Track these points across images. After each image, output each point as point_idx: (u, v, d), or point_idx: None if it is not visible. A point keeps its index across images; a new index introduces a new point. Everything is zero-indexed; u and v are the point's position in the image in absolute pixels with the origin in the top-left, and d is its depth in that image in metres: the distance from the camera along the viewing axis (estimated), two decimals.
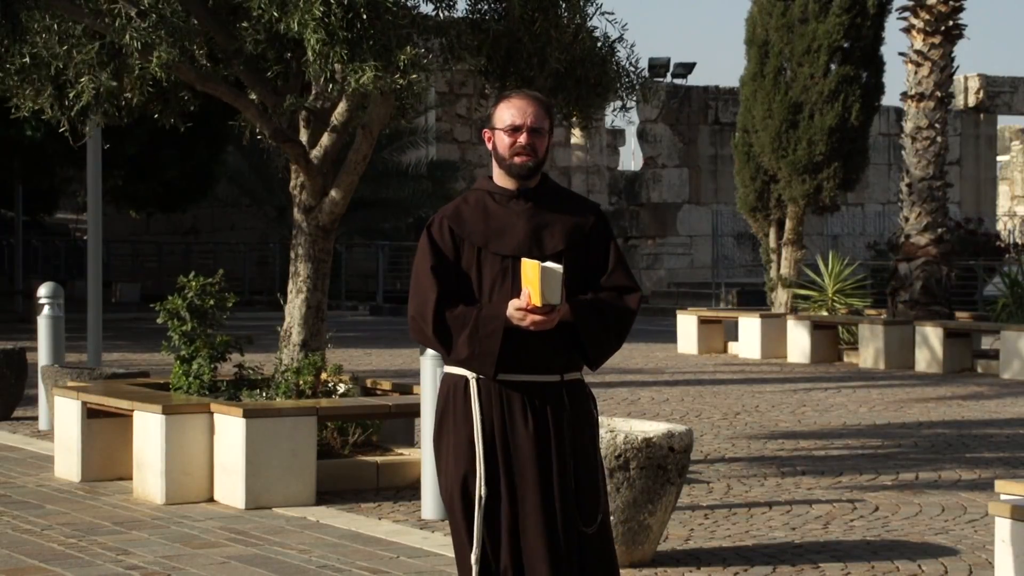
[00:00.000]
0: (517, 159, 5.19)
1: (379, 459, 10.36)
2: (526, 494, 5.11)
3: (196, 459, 9.79)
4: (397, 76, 8.97)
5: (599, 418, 5.43)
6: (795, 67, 22.87)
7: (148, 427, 9.88)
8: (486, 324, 5.08)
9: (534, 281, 4.98)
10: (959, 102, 43.01)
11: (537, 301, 4.99)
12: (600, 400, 7.16)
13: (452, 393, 5.22)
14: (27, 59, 10.42)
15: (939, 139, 22.08)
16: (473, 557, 5.12)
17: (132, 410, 10.13)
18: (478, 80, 11.03)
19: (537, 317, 5.02)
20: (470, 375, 5.16)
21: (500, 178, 5.27)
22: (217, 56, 10.58)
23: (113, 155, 20.95)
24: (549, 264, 5.00)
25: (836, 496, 10.04)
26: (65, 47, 10.28)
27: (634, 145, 42.98)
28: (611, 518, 5.70)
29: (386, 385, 11.36)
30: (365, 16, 8.96)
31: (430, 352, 9.16)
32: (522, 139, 5.18)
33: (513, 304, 5.05)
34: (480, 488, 5.11)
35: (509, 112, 5.20)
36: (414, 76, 8.99)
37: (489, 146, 5.27)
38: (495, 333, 5.06)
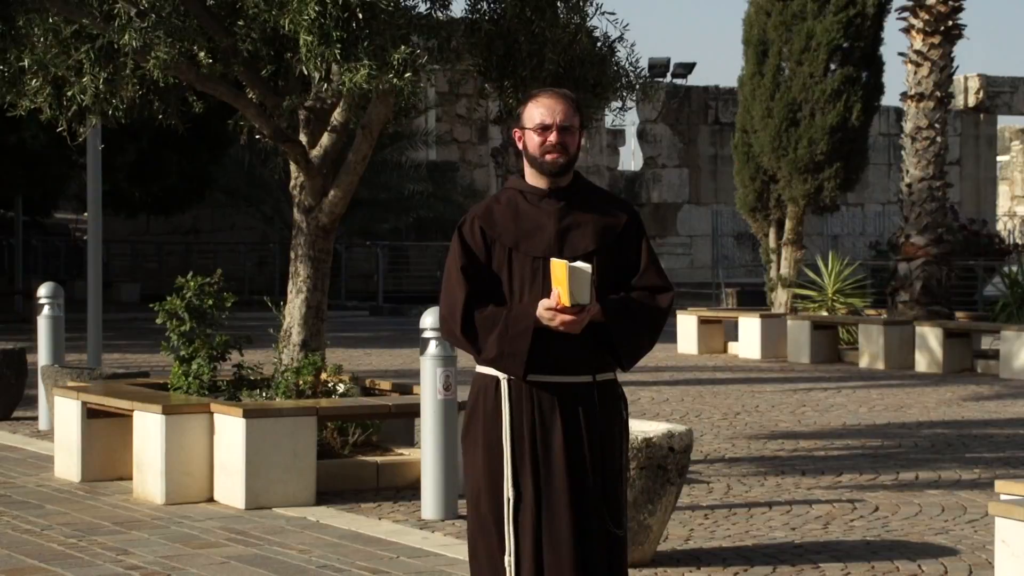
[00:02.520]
0: (548, 157, 5.17)
1: (379, 459, 10.36)
2: (555, 496, 5.09)
3: (196, 459, 9.79)
4: (391, 76, 8.96)
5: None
6: (794, 67, 22.87)
7: (148, 427, 9.88)
8: (515, 324, 5.07)
9: (563, 281, 4.96)
10: (959, 102, 43.02)
11: (566, 301, 4.98)
12: None
13: (482, 393, 5.21)
14: (24, 63, 10.42)
15: (939, 139, 22.08)
16: (507, 560, 5.11)
17: (132, 410, 10.13)
18: (477, 80, 11.03)
19: (567, 317, 5.00)
20: (501, 376, 5.14)
21: (532, 177, 5.25)
22: (217, 56, 10.58)
23: (112, 160, 20.96)
24: (577, 264, 4.98)
25: (836, 496, 10.04)
26: (57, 49, 10.27)
27: (634, 145, 42.98)
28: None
29: (386, 385, 11.36)
30: (361, 16, 8.95)
31: (430, 352, 9.17)
32: (552, 137, 5.16)
33: (543, 304, 5.04)
34: (507, 490, 5.11)
35: (538, 111, 5.19)
36: (408, 75, 8.98)
37: (520, 145, 5.25)
38: (524, 333, 5.05)
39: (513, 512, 5.11)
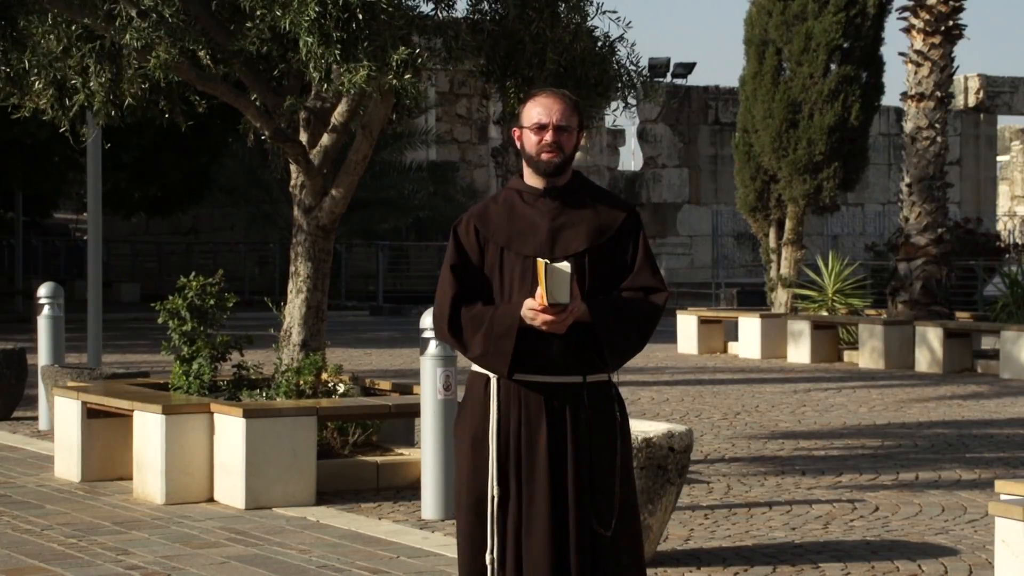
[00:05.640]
0: (543, 156, 5.20)
1: (379, 459, 10.36)
2: (536, 495, 5.11)
3: (196, 459, 9.79)
4: (391, 76, 8.96)
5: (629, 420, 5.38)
6: (794, 66, 22.87)
7: (148, 427, 9.88)
8: (500, 323, 5.10)
9: (542, 280, 4.99)
10: (959, 102, 43.01)
11: (546, 300, 4.99)
12: None
13: (473, 390, 5.25)
14: (24, 64, 10.41)
15: (939, 139, 22.08)
16: (488, 557, 5.14)
17: (132, 410, 10.13)
18: (479, 80, 11.03)
19: (548, 317, 5.02)
20: (492, 374, 5.17)
21: (529, 177, 5.27)
22: (218, 56, 10.58)
23: (112, 160, 20.98)
24: (556, 264, 5.00)
25: (836, 496, 10.04)
26: (62, 48, 10.27)
27: (634, 145, 42.96)
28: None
29: (386, 385, 11.36)
30: (361, 16, 8.95)
31: (430, 352, 9.17)
32: (548, 137, 5.19)
33: (526, 304, 5.06)
34: (492, 487, 5.13)
35: (536, 110, 5.22)
36: (408, 77, 8.98)
37: (518, 145, 5.28)
38: (508, 332, 5.07)
39: (498, 510, 5.13)
